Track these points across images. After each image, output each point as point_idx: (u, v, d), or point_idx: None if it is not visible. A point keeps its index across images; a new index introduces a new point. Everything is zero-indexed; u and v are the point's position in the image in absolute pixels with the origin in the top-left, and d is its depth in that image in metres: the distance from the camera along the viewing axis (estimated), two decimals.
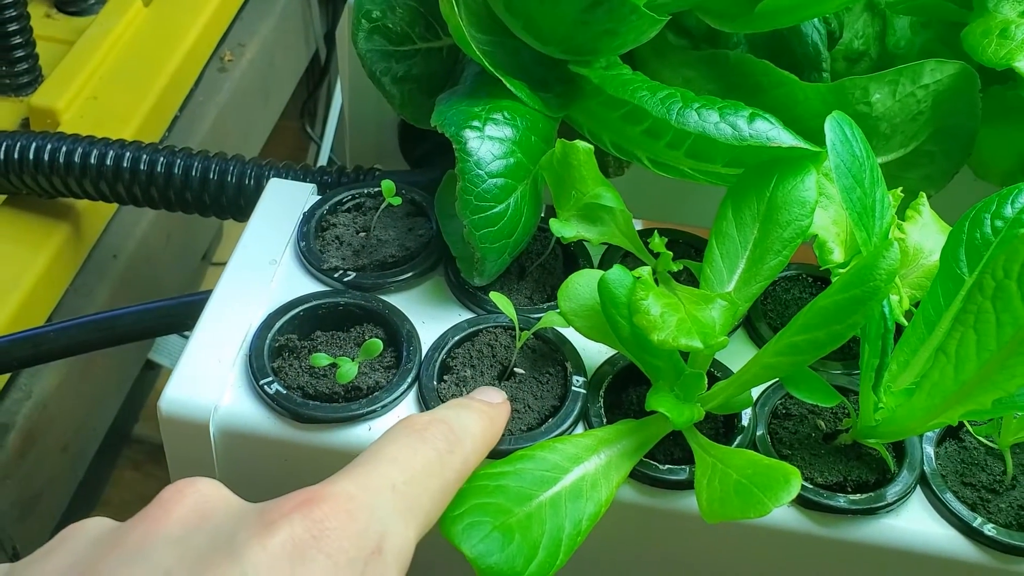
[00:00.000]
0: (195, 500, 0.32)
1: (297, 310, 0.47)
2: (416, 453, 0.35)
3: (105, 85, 0.82)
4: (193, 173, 0.65)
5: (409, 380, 0.45)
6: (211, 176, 0.65)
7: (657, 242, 0.47)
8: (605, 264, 0.51)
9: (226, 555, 0.29)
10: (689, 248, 0.53)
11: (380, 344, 0.44)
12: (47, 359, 0.64)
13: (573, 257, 0.52)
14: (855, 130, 0.43)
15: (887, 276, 0.38)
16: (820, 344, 0.39)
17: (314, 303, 0.47)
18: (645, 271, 0.43)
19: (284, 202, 0.53)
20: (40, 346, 0.62)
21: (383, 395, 0.44)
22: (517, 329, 0.45)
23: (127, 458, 1.16)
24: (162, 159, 0.66)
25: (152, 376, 1.14)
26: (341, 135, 1.23)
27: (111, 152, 0.66)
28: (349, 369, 0.44)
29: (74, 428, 0.82)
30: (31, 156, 0.67)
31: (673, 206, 0.67)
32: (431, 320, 0.49)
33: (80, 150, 0.67)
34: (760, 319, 0.50)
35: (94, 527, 0.32)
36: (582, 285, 0.45)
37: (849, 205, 0.41)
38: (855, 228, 0.41)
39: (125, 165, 0.66)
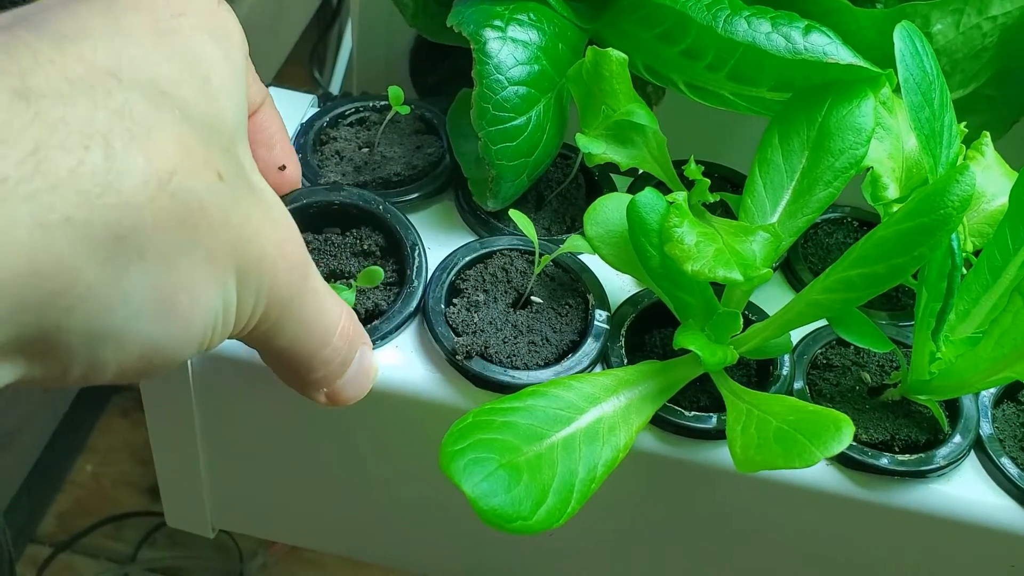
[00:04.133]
0: None
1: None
2: None
3: None
4: None
5: (413, 306, 0.40)
6: None
7: (693, 169, 0.42)
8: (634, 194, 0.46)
9: None
10: (725, 183, 0.48)
11: (381, 273, 0.39)
12: None
13: (597, 187, 0.47)
14: (926, 44, 0.38)
15: (960, 203, 0.33)
16: (878, 280, 0.35)
17: (304, 202, 0.42)
18: (680, 196, 0.38)
19: (282, 112, 0.48)
20: None
21: (383, 325, 0.40)
22: (536, 251, 0.41)
23: (116, 405, 1.12)
24: None
25: None
26: (350, 80, 1.18)
27: None
28: (346, 297, 0.39)
29: None
30: None
31: (701, 153, 0.62)
32: (438, 246, 0.44)
33: None
34: (800, 263, 0.45)
35: None
36: (611, 209, 0.40)
37: (917, 126, 0.37)
38: (923, 152, 0.36)
39: None
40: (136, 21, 0.28)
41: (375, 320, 0.40)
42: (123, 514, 1.05)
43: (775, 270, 0.46)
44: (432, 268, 0.42)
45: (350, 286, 0.40)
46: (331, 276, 0.41)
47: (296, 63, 1.16)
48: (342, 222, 0.43)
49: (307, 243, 0.42)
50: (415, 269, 0.41)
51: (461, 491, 0.32)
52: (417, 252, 0.41)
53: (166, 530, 1.05)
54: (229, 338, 0.31)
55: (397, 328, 0.40)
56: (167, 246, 0.27)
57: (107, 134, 0.25)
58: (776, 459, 0.32)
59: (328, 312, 0.35)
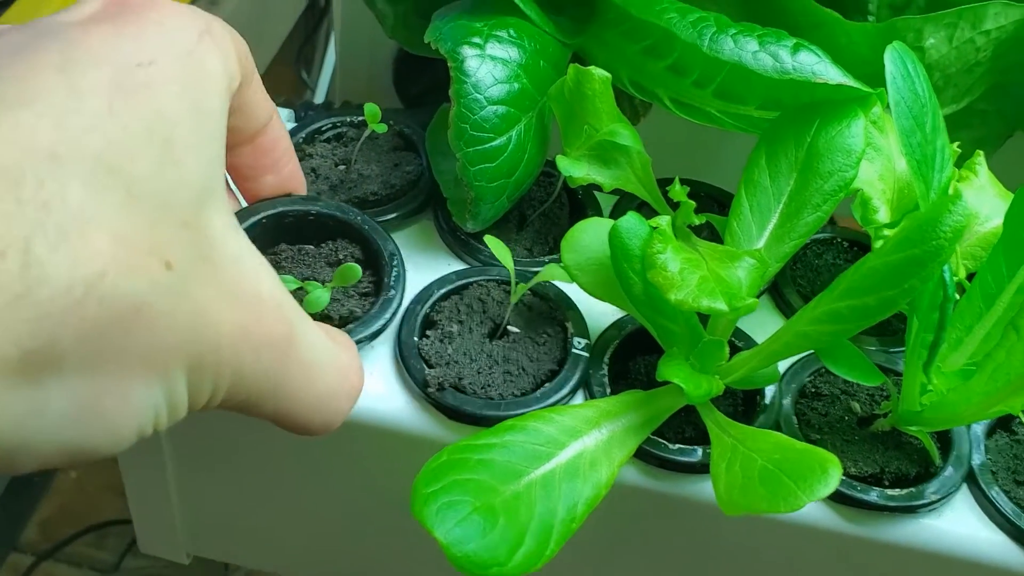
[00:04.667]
0: None
1: (260, 216, 0.39)
2: None
3: None
4: None
5: (390, 312, 0.38)
6: None
7: (678, 190, 0.41)
8: (617, 216, 0.45)
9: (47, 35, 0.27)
10: (712, 202, 0.47)
11: (358, 270, 0.37)
12: None
13: (580, 206, 0.46)
14: (917, 66, 0.37)
15: (953, 234, 0.32)
16: (867, 312, 0.34)
17: (280, 209, 0.40)
18: (663, 221, 0.37)
19: None
20: None
21: (359, 329, 0.38)
22: (513, 280, 0.40)
23: None
24: None
25: None
26: (337, 83, 1.17)
27: None
28: (320, 296, 0.37)
29: None
30: None
31: (687, 169, 0.61)
32: (415, 268, 0.43)
33: None
34: (788, 285, 0.44)
35: None
36: (589, 235, 0.39)
37: (908, 151, 0.35)
38: (914, 178, 0.35)
39: None
40: (95, 79, 0.25)
41: (349, 325, 0.38)
42: (106, 522, 1.04)
43: (762, 294, 0.44)
44: (408, 298, 0.40)
45: (324, 283, 0.38)
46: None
47: (284, 63, 1.15)
48: (319, 234, 0.41)
49: (280, 253, 0.40)
50: (392, 277, 0.39)
51: (434, 537, 0.30)
52: (396, 261, 0.40)
53: None
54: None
55: (372, 336, 0.38)
56: (90, 356, 0.24)
57: (29, 237, 0.23)
58: (760, 502, 0.31)
59: (323, 377, 0.32)
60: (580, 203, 0.46)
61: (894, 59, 0.36)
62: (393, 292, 0.39)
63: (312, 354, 0.31)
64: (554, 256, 0.44)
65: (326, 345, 0.33)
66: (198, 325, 0.27)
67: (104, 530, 1.04)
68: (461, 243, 0.43)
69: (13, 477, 0.99)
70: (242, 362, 0.28)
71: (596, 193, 0.47)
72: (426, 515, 0.31)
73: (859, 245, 0.47)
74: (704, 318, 0.39)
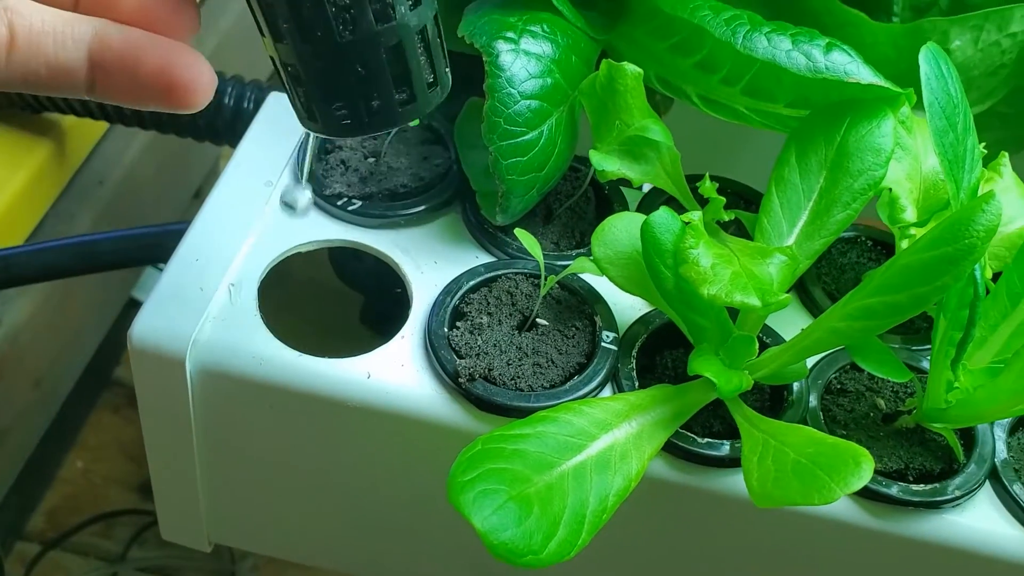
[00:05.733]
0: None
1: None
2: None
3: None
4: None
5: None
6: None
7: (708, 187, 0.41)
8: (644, 210, 0.45)
9: None
10: (738, 199, 0.47)
11: None
12: (19, 282, 0.59)
13: (607, 201, 0.46)
14: (951, 67, 0.37)
15: (985, 233, 0.32)
16: (899, 309, 0.34)
17: None
18: (695, 216, 0.37)
19: (284, 119, 0.47)
20: (11, 268, 0.56)
21: None
22: (543, 273, 0.40)
23: (106, 401, 1.10)
24: None
25: (136, 316, 1.08)
26: None
27: None
28: None
29: (48, 362, 0.77)
30: None
31: (705, 166, 0.62)
32: (444, 260, 0.43)
33: None
34: (814, 283, 0.44)
35: None
36: (620, 229, 0.40)
37: (940, 151, 0.36)
38: (946, 177, 0.36)
39: None
40: None
41: None
42: (113, 512, 1.04)
43: (788, 291, 0.45)
44: (436, 291, 0.41)
45: None
46: None
47: None
48: None
49: None
50: None
51: (471, 524, 0.31)
52: None
53: (157, 529, 1.04)
54: None
55: None
56: None
57: None
58: (794, 495, 0.31)
59: None
60: (606, 198, 0.46)
61: (928, 60, 0.36)
62: None
63: None
64: (580, 250, 0.44)
65: None
66: None
67: (111, 520, 1.04)
68: (489, 236, 0.44)
69: (23, 466, 0.98)
70: None
71: (622, 188, 0.47)
72: (463, 502, 0.31)
73: (883, 244, 0.47)
74: (733, 314, 0.39)
